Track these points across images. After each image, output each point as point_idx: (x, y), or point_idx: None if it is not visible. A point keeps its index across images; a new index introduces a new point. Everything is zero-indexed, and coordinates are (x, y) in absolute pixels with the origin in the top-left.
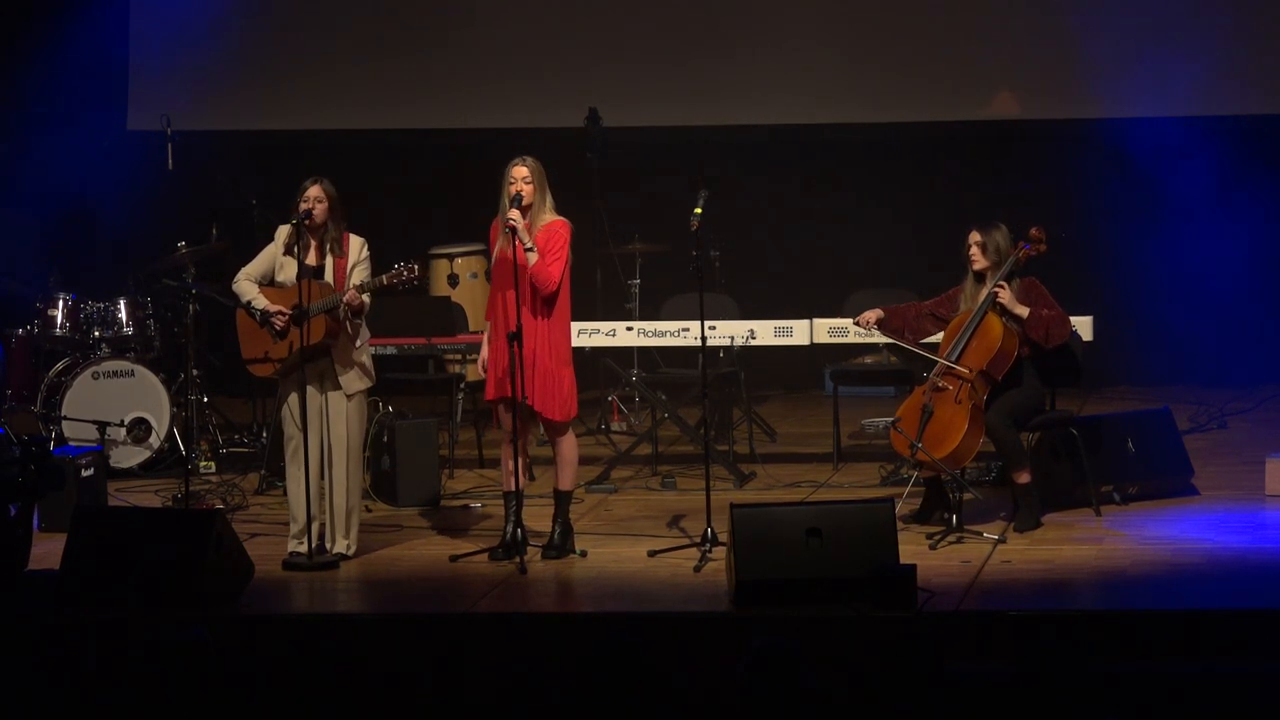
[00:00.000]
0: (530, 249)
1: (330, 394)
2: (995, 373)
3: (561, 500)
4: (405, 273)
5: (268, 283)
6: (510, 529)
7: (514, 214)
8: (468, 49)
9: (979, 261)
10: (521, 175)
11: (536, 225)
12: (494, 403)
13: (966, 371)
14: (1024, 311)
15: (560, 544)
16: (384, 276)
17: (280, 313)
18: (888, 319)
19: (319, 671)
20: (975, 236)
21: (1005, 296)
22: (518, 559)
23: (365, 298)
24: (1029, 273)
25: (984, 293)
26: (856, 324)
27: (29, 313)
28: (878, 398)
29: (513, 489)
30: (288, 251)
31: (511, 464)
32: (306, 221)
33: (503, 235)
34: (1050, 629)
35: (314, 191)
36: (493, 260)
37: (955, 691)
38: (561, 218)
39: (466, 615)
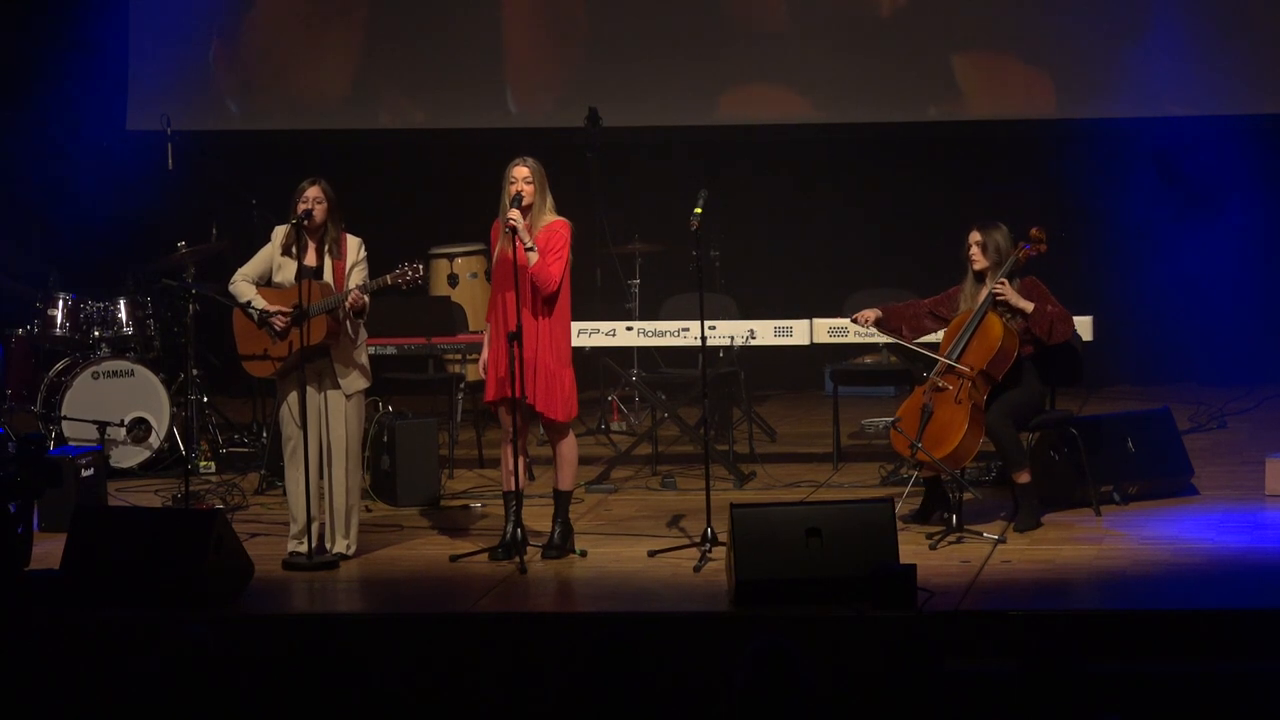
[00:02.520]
0: (530, 249)
1: (329, 394)
2: (995, 372)
3: (561, 500)
4: (410, 272)
5: (264, 283)
6: (510, 529)
7: (514, 214)
8: (468, 49)
9: (979, 261)
10: (522, 175)
11: (537, 225)
12: (494, 404)
13: (967, 370)
14: (1028, 306)
15: (560, 544)
16: (388, 276)
17: (280, 313)
18: (885, 318)
19: (319, 671)
20: (975, 236)
21: (1008, 291)
22: (517, 559)
23: (366, 297)
24: (1028, 272)
25: (984, 292)
26: (854, 322)
27: (29, 313)
28: (878, 398)
29: (513, 489)
30: (285, 252)
31: (511, 464)
32: (306, 222)
33: (503, 236)
34: (1050, 629)
35: (313, 192)
36: (493, 261)
37: (955, 691)
38: (562, 218)
39: (466, 615)
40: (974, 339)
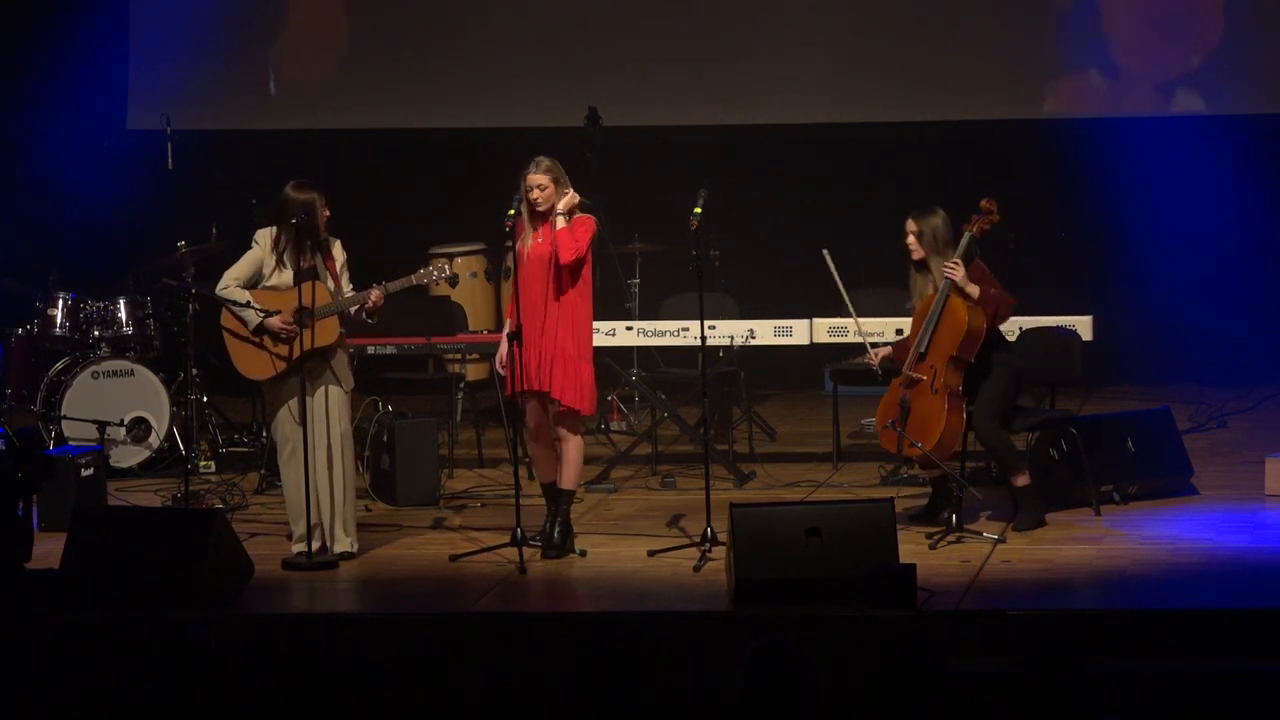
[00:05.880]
0: (561, 214)
1: (330, 390)
2: (967, 355)
3: (563, 499)
4: (435, 272)
5: (253, 286)
6: (548, 525)
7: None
8: (468, 48)
9: (917, 251)
10: (537, 183)
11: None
12: (514, 397)
13: (939, 358)
14: (975, 291)
15: (560, 543)
16: (412, 276)
17: (285, 325)
18: (895, 354)
19: (319, 671)
20: (910, 225)
21: (958, 274)
22: (517, 559)
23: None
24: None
25: (933, 279)
26: (871, 366)
27: (29, 312)
28: (878, 397)
29: (549, 480)
30: (278, 255)
31: (540, 454)
32: (318, 225)
33: (527, 230)
34: (1050, 629)
35: (322, 199)
36: (518, 257)
37: (954, 691)
38: (586, 214)
39: (466, 615)
40: (940, 325)
